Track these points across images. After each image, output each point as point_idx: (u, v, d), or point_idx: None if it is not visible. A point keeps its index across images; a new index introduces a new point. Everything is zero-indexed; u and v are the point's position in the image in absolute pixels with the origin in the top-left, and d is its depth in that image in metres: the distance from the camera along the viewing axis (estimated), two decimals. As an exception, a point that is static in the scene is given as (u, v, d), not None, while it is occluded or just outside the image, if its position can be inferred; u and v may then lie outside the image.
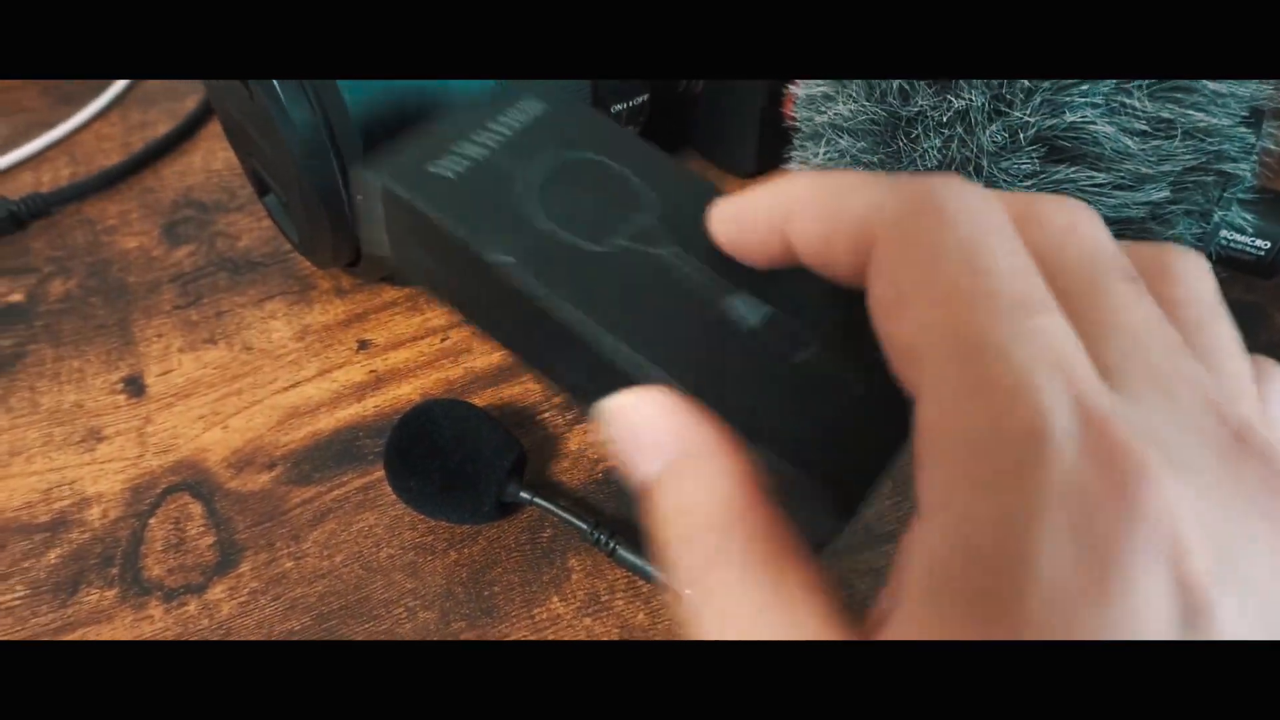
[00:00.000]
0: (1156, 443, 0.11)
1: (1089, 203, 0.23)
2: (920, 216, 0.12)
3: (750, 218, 0.15)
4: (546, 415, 0.27)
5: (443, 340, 0.29)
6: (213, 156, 0.37)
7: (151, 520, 0.25)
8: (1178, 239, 0.23)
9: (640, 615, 0.23)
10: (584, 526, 0.23)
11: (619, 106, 0.30)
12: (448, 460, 0.23)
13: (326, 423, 0.27)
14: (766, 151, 0.33)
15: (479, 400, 0.28)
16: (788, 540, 0.13)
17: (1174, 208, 0.23)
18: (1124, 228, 0.23)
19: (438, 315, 0.30)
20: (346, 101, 0.24)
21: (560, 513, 0.23)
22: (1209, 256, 0.25)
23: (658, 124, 0.33)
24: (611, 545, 0.23)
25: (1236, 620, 0.11)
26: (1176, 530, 0.11)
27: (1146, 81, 0.23)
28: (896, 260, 0.12)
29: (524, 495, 0.23)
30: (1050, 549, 0.10)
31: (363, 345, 0.29)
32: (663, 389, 0.14)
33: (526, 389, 0.28)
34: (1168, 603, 0.10)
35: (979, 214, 0.12)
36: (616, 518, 0.24)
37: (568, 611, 0.23)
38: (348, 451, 0.26)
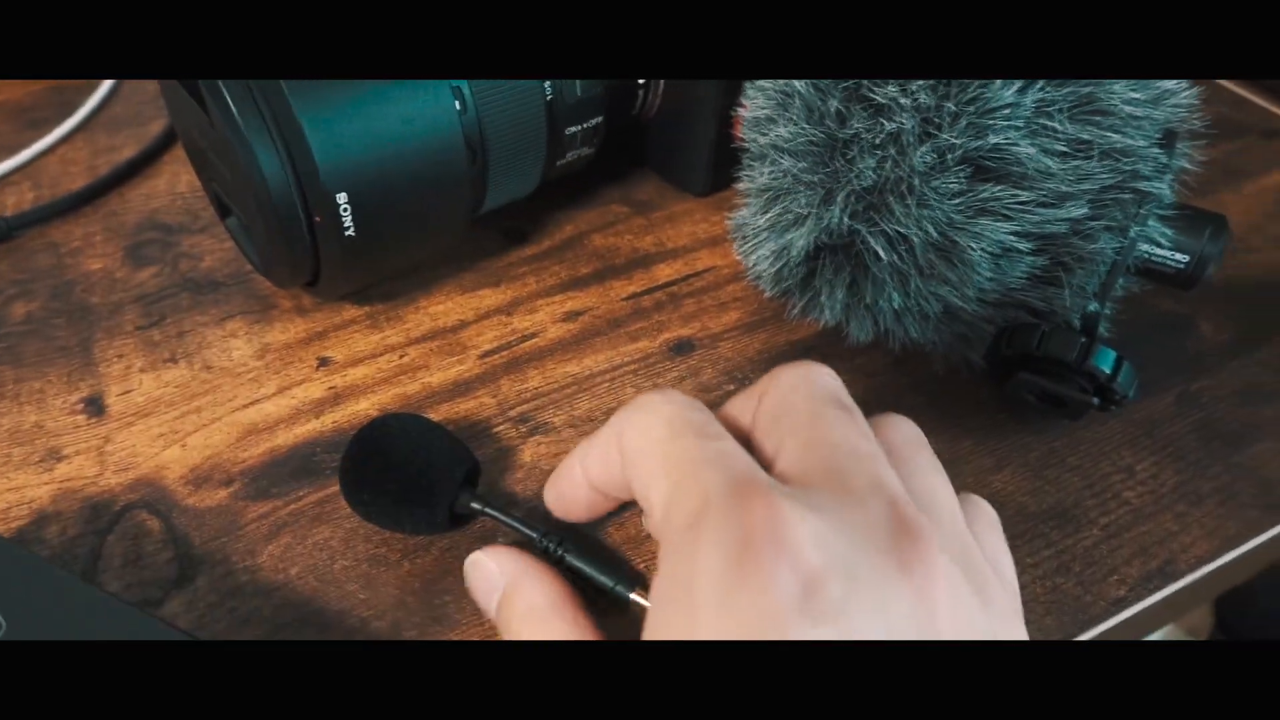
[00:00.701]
0: (796, 500, 0.17)
1: (1013, 219, 0.24)
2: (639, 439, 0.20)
3: (570, 490, 0.23)
4: (500, 429, 0.28)
5: (401, 357, 0.30)
6: (177, 179, 0.37)
7: (109, 537, 0.25)
8: (1099, 252, 0.25)
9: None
10: (533, 535, 0.24)
11: (574, 129, 0.31)
12: (402, 473, 0.24)
13: (284, 439, 0.28)
14: (718, 171, 0.34)
15: (435, 414, 0.28)
16: (582, 622, 0.21)
17: (1094, 223, 0.24)
18: (1048, 243, 0.25)
19: (396, 333, 0.31)
20: (304, 127, 0.24)
21: (510, 522, 0.24)
22: (1129, 269, 0.26)
23: (613, 146, 0.34)
24: (560, 553, 0.23)
25: (845, 597, 0.16)
26: (794, 540, 0.16)
27: (1067, 105, 0.24)
28: (633, 464, 0.20)
29: (475, 506, 0.24)
30: (708, 563, 0.16)
31: (323, 362, 0.30)
32: (496, 547, 0.23)
33: (481, 403, 0.29)
34: (789, 580, 0.16)
35: (676, 414, 0.20)
36: (565, 526, 0.25)
37: (517, 619, 0.23)
38: (305, 467, 0.27)
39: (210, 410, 0.29)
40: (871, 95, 0.24)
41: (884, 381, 0.29)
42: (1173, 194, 0.26)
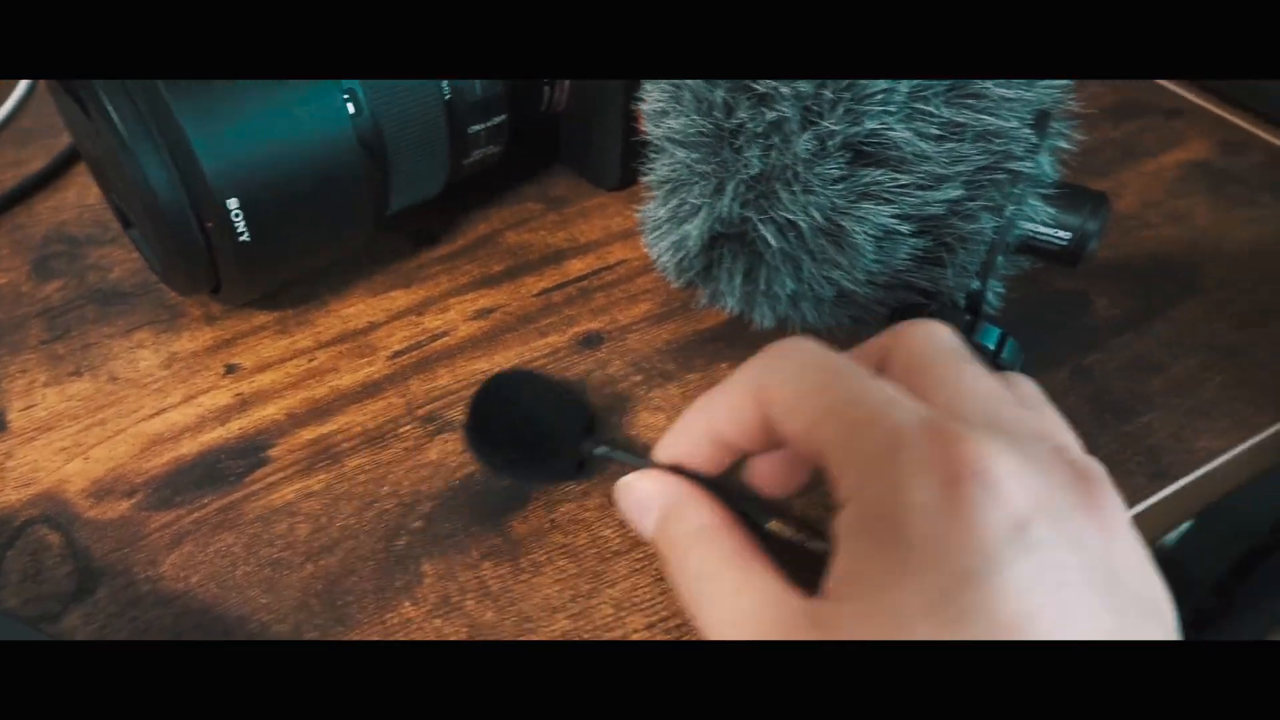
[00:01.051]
0: (991, 437, 0.17)
1: (893, 202, 0.25)
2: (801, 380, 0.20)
3: (690, 447, 0.22)
4: (406, 428, 0.28)
5: (310, 361, 0.30)
6: (87, 192, 0.37)
7: (9, 554, 0.25)
8: (979, 232, 0.25)
9: (489, 614, 0.24)
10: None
11: (477, 127, 0.31)
12: (530, 427, 0.25)
13: (189, 447, 0.28)
14: (629, 165, 0.35)
15: (343, 417, 0.28)
16: (753, 543, 0.20)
17: (972, 204, 0.25)
18: (929, 224, 0.25)
19: (305, 337, 0.31)
20: (188, 132, 0.24)
21: (639, 461, 0.24)
22: (1014, 247, 0.26)
23: (525, 142, 0.34)
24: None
25: (1049, 531, 0.16)
26: (998, 475, 0.16)
27: (942, 88, 0.24)
28: (793, 407, 0.19)
29: (600, 450, 0.25)
30: (917, 497, 0.16)
31: (230, 369, 0.30)
32: (647, 471, 0.22)
33: (389, 403, 0.29)
34: (999, 514, 0.16)
35: (824, 359, 0.20)
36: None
37: (419, 614, 0.24)
38: (209, 475, 0.27)
39: (115, 422, 0.28)
40: (754, 85, 0.25)
41: (789, 367, 0.30)
42: (1054, 173, 0.26)
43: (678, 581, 0.21)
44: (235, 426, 0.28)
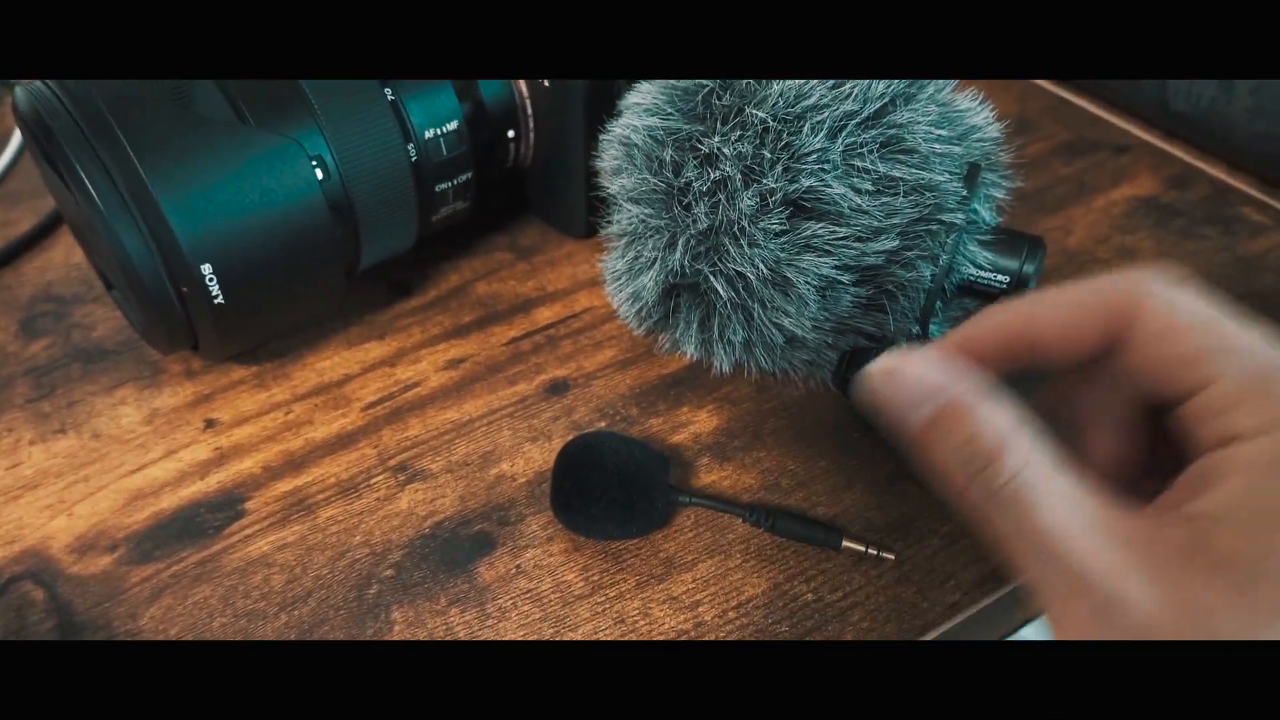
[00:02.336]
0: None
1: (833, 254, 0.26)
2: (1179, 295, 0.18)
3: (993, 331, 0.20)
4: (379, 478, 0.29)
5: (286, 414, 0.31)
6: (73, 251, 0.38)
7: (-6, 610, 0.26)
8: (918, 279, 0.26)
9: (455, 660, 0.24)
10: (743, 513, 0.27)
11: (444, 185, 0.33)
12: (620, 484, 0.27)
13: (169, 501, 0.29)
14: (596, 214, 0.36)
15: (317, 469, 0.29)
16: (1064, 450, 0.17)
17: (909, 254, 0.26)
18: (870, 273, 0.26)
19: (282, 390, 0.32)
20: (162, 203, 0.26)
21: (720, 506, 0.27)
22: (947, 293, 0.28)
23: (496, 193, 0.36)
24: (770, 523, 0.27)
25: None
26: None
27: (876, 145, 0.26)
28: (1172, 325, 0.18)
29: (683, 499, 0.27)
30: None
31: (209, 424, 0.31)
32: (916, 352, 0.19)
33: (362, 454, 0.30)
34: None
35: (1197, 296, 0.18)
36: (761, 504, 0.28)
37: (387, 662, 0.24)
38: (188, 528, 0.28)
39: (98, 478, 0.29)
40: (699, 145, 0.26)
41: (748, 409, 0.31)
42: (993, 219, 0.28)
43: (975, 492, 0.18)
44: (214, 480, 0.29)
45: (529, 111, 0.35)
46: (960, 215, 0.26)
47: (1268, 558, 0.15)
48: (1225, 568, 0.15)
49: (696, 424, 0.31)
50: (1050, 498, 0.17)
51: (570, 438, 0.29)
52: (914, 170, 0.26)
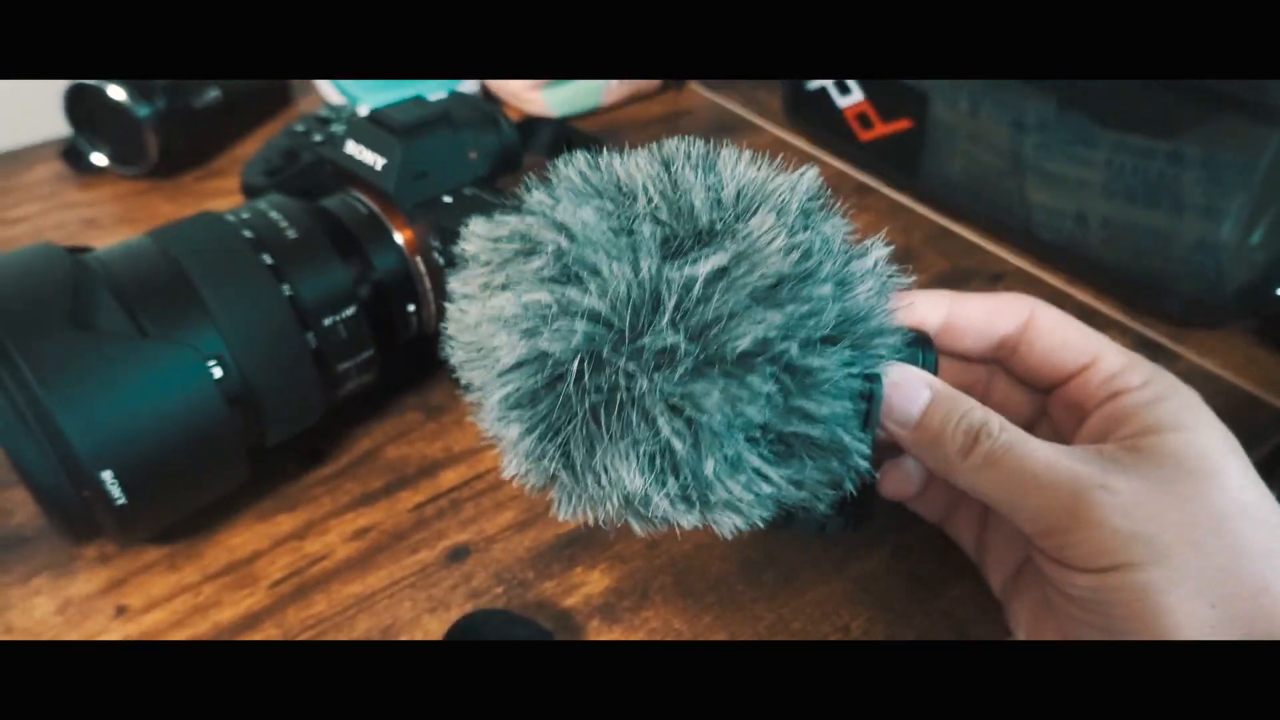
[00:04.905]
0: None
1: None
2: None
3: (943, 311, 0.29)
4: (284, 660, 0.30)
5: (196, 596, 0.32)
6: (-4, 432, 0.40)
7: (-104, 824, 0.26)
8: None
9: None
10: None
11: (346, 364, 0.35)
12: None
13: (76, 697, 0.29)
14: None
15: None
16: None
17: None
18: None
19: (193, 570, 0.33)
20: (57, 416, 0.27)
21: None
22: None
23: (403, 363, 0.38)
24: None
25: None
26: None
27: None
28: (1061, 322, 0.29)
29: None
30: (1220, 432, 0.25)
31: (120, 610, 0.32)
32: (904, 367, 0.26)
33: (266, 635, 0.31)
34: None
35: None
36: None
37: None
38: (92, 725, 0.29)
39: (7, 675, 0.30)
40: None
41: (637, 566, 0.33)
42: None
43: (975, 456, 0.24)
44: (120, 671, 0.30)
45: (428, 285, 0.37)
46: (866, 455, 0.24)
47: (1176, 448, 0.24)
48: (1158, 457, 0.24)
49: (588, 585, 0.32)
50: (1031, 440, 0.24)
51: (467, 608, 0.30)
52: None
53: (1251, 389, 0.41)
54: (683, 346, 0.22)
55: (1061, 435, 0.29)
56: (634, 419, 0.23)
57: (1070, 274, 0.45)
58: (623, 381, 0.23)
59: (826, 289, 0.23)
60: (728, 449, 0.23)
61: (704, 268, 0.23)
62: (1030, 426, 0.30)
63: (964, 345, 0.30)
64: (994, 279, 0.45)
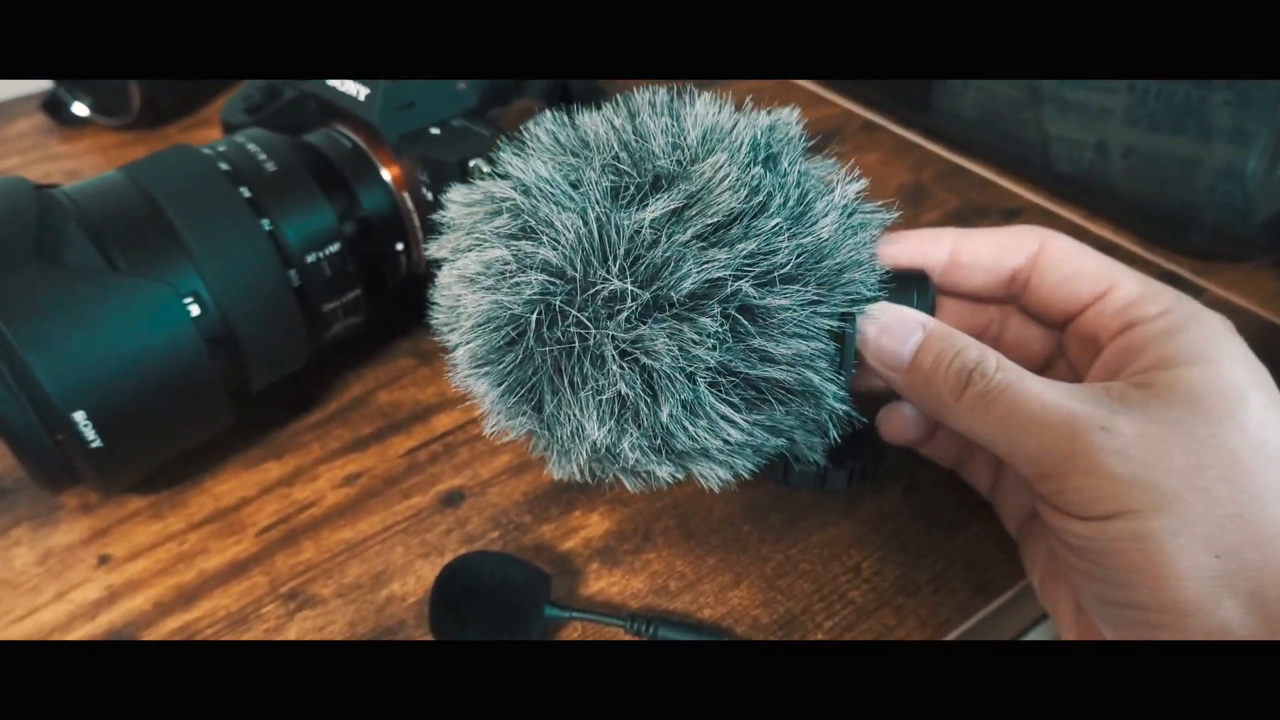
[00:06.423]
0: None
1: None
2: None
3: (927, 248, 0.27)
4: (269, 608, 0.29)
5: (180, 544, 0.31)
6: (-23, 384, 0.38)
7: (-127, 777, 0.26)
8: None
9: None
10: (623, 623, 0.27)
11: (332, 304, 0.33)
12: (495, 606, 0.27)
13: (57, 648, 0.28)
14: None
15: (208, 601, 0.29)
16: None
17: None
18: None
19: (178, 519, 0.32)
20: (27, 357, 0.26)
21: (601, 618, 0.28)
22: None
23: (393, 305, 0.36)
24: (653, 631, 0.27)
25: None
26: None
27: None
28: (1074, 254, 0.27)
29: (562, 614, 0.27)
30: (1249, 365, 0.23)
31: (103, 560, 0.31)
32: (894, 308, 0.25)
33: (253, 583, 0.30)
34: None
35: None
36: (644, 612, 0.28)
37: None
38: (74, 675, 0.28)
39: (-14, 626, 0.29)
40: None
41: (639, 509, 0.31)
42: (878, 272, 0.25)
43: (970, 395, 0.23)
44: (104, 621, 0.29)
45: (416, 223, 0.35)
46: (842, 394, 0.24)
47: (1192, 384, 0.22)
48: (1170, 394, 0.22)
49: (587, 528, 0.31)
50: (1029, 379, 0.22)
51: (461, 553, 0.29)
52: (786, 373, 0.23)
53: (1279, 322, 0.39)
54: (630, 291, 0.22)
55: (1077, 373, 0.27)
56: (588, 368, 0.23)
57: (1089, 208, 0.44)
58: (577, 331, 0.23)
59: (776, 223, 0.22)
60: (683, 393, 0.22)
61: (650, 212, 0.23)
62: (1046, 366, 0.28)
63: (973, 284, 0.27)
64: (1009, 215, 0.44)
